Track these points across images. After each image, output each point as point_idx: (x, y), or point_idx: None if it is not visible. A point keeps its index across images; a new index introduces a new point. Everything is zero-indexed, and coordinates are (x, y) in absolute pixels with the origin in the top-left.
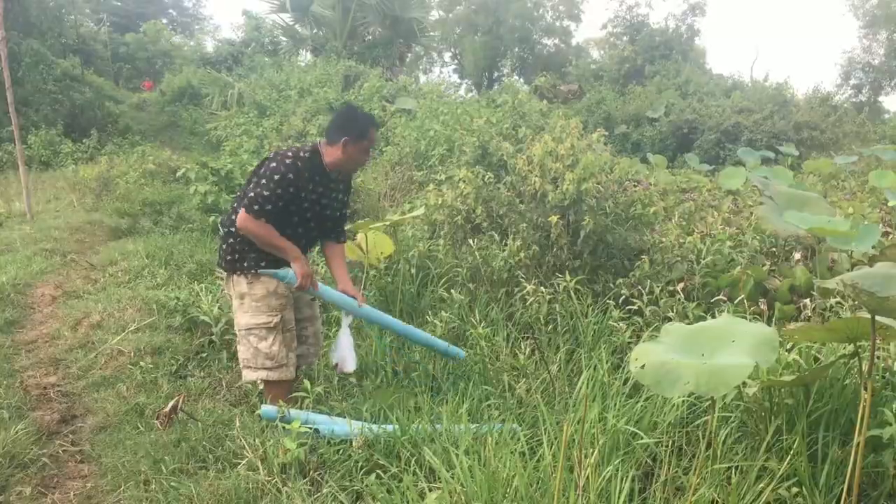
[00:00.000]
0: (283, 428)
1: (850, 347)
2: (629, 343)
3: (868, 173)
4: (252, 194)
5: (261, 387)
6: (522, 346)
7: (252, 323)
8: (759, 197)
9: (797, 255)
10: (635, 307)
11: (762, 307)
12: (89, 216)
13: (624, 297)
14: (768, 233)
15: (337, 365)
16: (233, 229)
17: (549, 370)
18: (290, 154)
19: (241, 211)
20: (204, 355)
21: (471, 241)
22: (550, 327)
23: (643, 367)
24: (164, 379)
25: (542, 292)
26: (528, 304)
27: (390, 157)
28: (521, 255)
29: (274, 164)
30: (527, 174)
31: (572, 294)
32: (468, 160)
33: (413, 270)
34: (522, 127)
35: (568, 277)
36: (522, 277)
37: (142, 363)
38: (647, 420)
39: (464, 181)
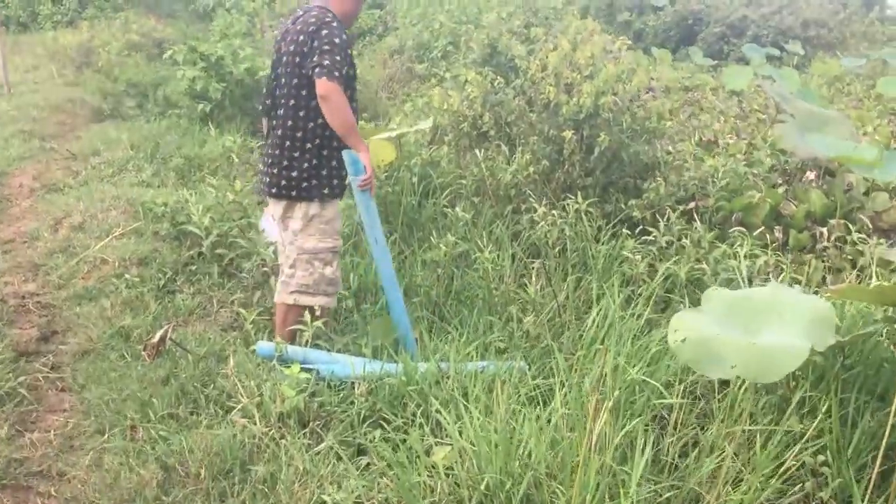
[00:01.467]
0: (281, 370)
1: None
2: (642, 275)
3: (874, 78)
4: (326, 62)
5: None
6: (529, 272)
7: (320, 247)
8: (778, 113)
9: (811, 175)
10: (650, 235)
11: (777, 234)
12: (70, 92)
13: (637, 221)
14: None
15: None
16: (308, 146)
17: (556, 300)
18: (328, 16)
19: (322, 80)
20: (193, 268)
21: (477, 151)
22: (557, 250)
23: (683, 340)
24: (150, 295)
25: (554, 216)
26: (537, 226)
27: (389, 44)
28: (530, 169)
29: (327, 31)
30: (540, 81)
31: (584, 217)
32: (475, 59)
33: (415, 179)
34: (535, 25)
35: (580, 199)
36: (531, 195)
37: (127, 275)
38: (663, 366)
39: (471, 84)
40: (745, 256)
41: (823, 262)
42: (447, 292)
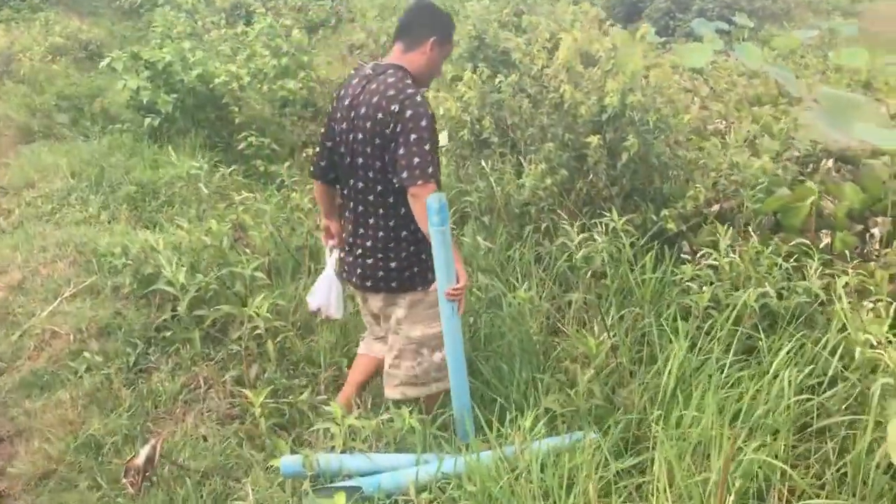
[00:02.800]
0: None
1: None
2: (707, 308)
3: (824, 49)
4: (417, 160)
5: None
6: (564, 308)
7: (429, 333)
8: (780, 97)
9: (829, 164)
10: (700, 253)
11: (824, 238)
12: None
13: (670, 233)
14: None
15: (319, 310)
16: (405, 234)
17: (615, 352)
18: (409, 87)
19: (418, 185)
20: (167, 335)
21: (483, 163)
22: (590, 275)
23: None
24: (119, 379)
25: (595, 240)
26: (569, 249)
27: (348, 38)
28: (548, 181)
29: (412, 111)
30: (548, 78)
31: (622, 235)
32: (462, 53)
33: None
34: (525, 13)
35: (615, 215)
36: (553, 211)
37: (86, 352)
38: (760, 422)
39: (466, 84)
40: (815, 274)
41: (885, 268)
42: (473, 339)
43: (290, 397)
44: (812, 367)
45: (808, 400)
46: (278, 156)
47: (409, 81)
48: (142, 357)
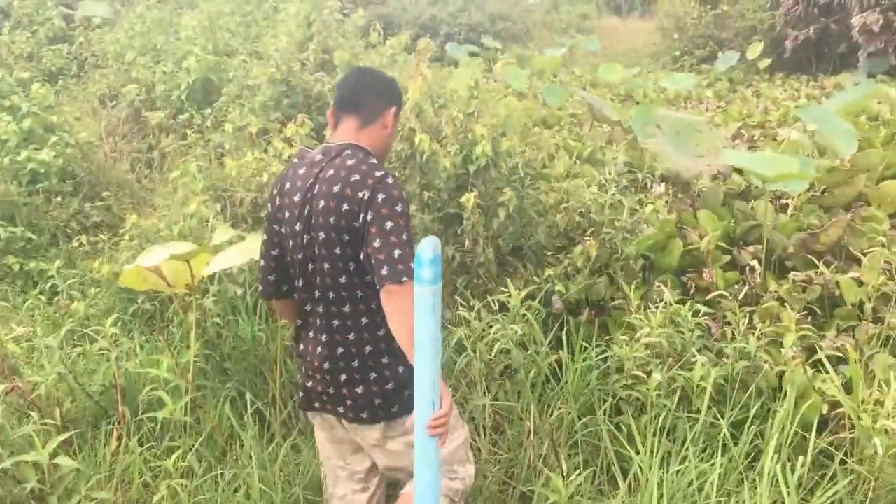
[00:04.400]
0: None
1: None
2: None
3: (568, 66)
4: (397, 253)
5: None
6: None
7: (454, 447)
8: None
9: (659, 189)
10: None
11: (707, 278)
12: None
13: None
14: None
15: None
16: (385, 360)
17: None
18: (377, 170)
19: (402, 282)
20: None
21: None
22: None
23: None
24: None
25: (513, 329)
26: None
27: (97, 85)
28: None
29: (384, 195)
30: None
31: (527, 314)
32: (265, 101)
33: (248, 294)
34: (336, 49)
35: (511, 288)
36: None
37: None
38: None
39: (287, 140)
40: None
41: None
42: None
43: None
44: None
45: None
46: (37, 248)
47: (374, 162)
48: None
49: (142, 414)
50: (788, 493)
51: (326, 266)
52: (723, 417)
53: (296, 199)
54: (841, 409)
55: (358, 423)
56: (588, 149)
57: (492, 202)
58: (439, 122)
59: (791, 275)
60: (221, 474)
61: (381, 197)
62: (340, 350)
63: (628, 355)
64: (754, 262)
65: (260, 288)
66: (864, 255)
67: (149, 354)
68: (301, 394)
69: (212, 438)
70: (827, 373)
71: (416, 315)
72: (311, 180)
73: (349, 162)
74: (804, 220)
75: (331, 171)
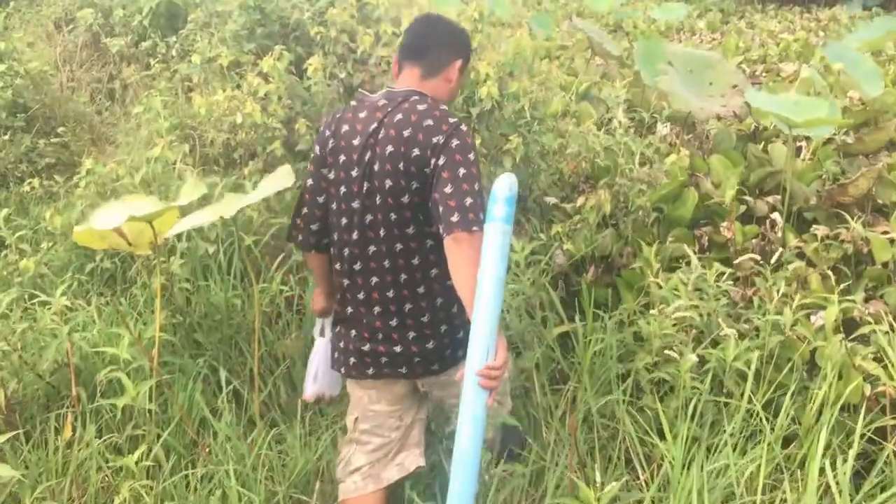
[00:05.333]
0: None
1: None
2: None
3: None
4: (469, 201)
5: None
6: None
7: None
8: (593, 54)
9: (664, 130)
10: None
11: (727, 233)
12: None
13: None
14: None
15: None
16: (441, 302)
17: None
18: (451, 116)
19: (473, 231)
20: None
21: None
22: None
23: None
24: None
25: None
26: None
27: (51, 7)
28: None
29: (458, 141)
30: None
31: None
32: (237, 30)
33: (222, 252)
34: None
35: (517, 247)
36: None
37: None
38: None
39: (264, 76)
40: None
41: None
42: None
43: None
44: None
45: None
46: None
47: (445, 108)
48: None
49: (100, 397)
50: (840, 492)
51: (393, 216)
52: (753, 399)
53: (355, 142)
54: (883, 387)
55: (426, 377)
56: (584, 85)
57: (496, 150)
58: None
59: (814, 229)
60: (192, 472)
61: (455, 143)
62: (409, 306)
63: (656, 332)
64: (776, 215)
65: (300, 238)
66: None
67: (108, 324)
68: (353, 360)
69: (181, 427)
70: (865, 344)
71: (484, 252)
72: (375, 125)
73: (419, 107)
74: (829, 167)
75: (399, 116)
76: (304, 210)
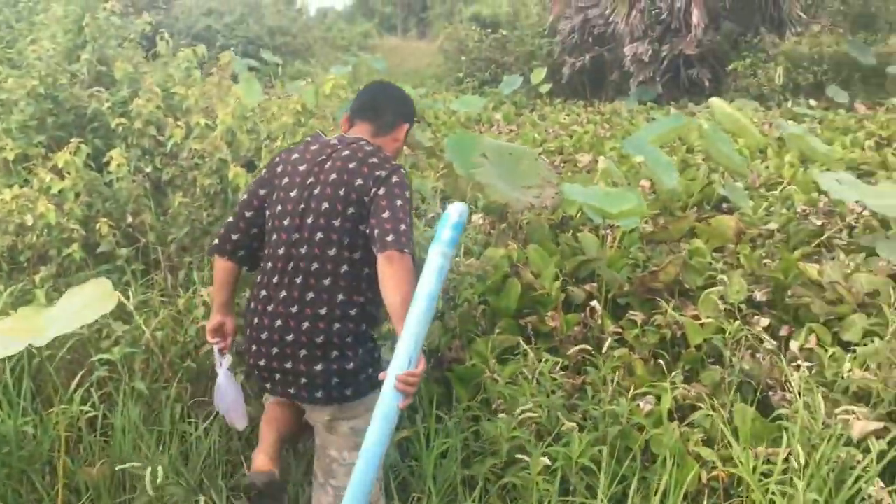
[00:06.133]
0: None
1: None
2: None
3: (357, 84)
4: (403, 226)
5: None
6: None
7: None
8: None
9: (479, 221)
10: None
11: (552, 322)
12: None
13: None
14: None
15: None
16: (365, 328)
17: None
18: (394, 161)
19: (404, 252)
20: None
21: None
22: None
23: None
24: None
25: None
26: None
27: None
28: None
29: (398, 180)
30: (196, 157)
31: None
32: (25, 120)
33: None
34: (110, 56)
35: None
36: None
37: None
38: None
39: (65, 170)
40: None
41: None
42: None
43: None
44: None
45: None
46: None
47: (389, 155)
48: None
49: None
50: None
51: (319, 236)
52: (594, 494)
53: (301, 168)
54: (716, 472)
55: (310, 404)
56: None
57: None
58: (253, 153)
59: (630, 314)
60: None
61: (395, 179)
62: (307, 325)
63: (504, 435)
64: (594, 303)
65: (216, 242)
66: (699, 291)
67: None
68: (255, 372)
69: None
70: (690, 427)
71: (424, 270)
72: (324, 157)
73: (367, 148)
74: (635, 253)
75: (347, 152)
76: (230, 219)
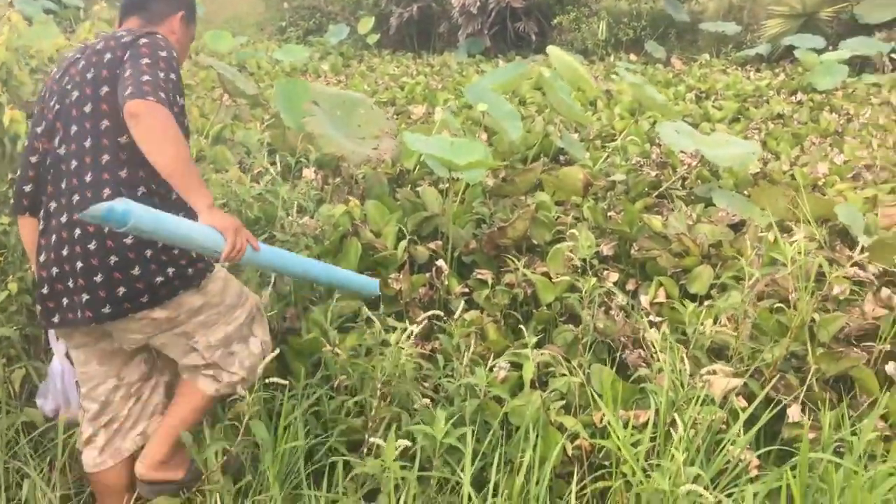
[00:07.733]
0: None
1: None
2: None
3: None
4: (146, 77)
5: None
6: None
7: (231, 329)
8: (226, 95)
9: (311, 175)
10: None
11: (397, 284)
12: None
13: None
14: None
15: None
16: (128, 241)
17: None
18: (157, 35)
19: (147, 100)
20: None
21: None
22: None
23: None
24: None
25: None
26: None
27: None
28: None
29: (148, 40)
30: None
31: None
32: None
33: None
34: None
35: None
36: None
37: None
38: None
39: None
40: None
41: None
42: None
43: None
44: None
45: None
46: None
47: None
48: None
49: None
50: None
51: (74, 129)
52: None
53: (57, 76)
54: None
55: (98, 322)
56: (217, 127)
57: None
58: (33, 92)
59: (476, 273)
60: None
61: (143, 41)
62: (79, 231)
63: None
64: (440, 262)
65: (13, 201)
66: (548, 247)
67: None
68: (39, 308)
69: None
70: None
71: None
72: (78, 56)
73: (122, 32)
74: (482, 209)
75: (100, 45)
76: (19, 172)
